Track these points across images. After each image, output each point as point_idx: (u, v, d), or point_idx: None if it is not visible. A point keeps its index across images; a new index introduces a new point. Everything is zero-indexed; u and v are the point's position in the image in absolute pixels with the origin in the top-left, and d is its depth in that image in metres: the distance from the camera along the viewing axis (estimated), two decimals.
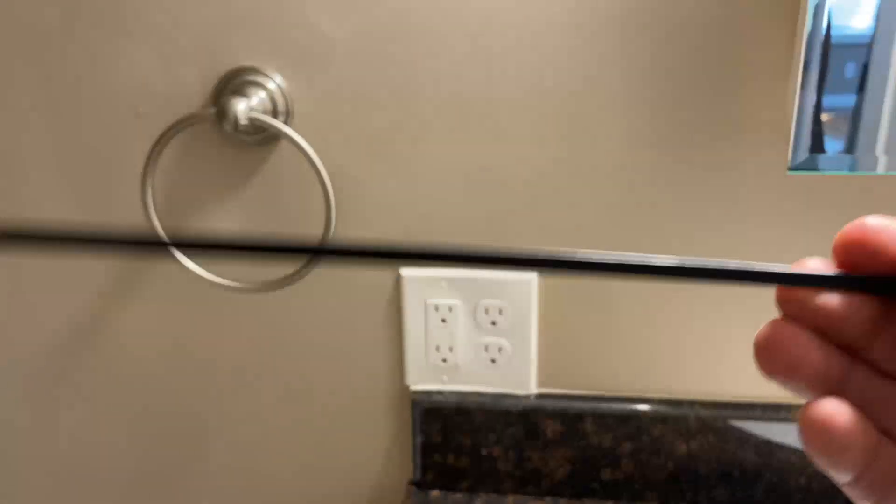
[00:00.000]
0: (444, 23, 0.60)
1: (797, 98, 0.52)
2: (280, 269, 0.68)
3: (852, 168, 0.53)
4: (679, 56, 0.59)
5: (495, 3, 0.59)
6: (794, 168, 0.52)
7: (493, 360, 0.69)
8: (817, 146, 0.53)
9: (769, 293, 0.24)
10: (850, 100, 0.53)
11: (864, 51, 0.52)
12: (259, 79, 0.63)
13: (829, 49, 0.52)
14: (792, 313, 0.24)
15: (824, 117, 0.53)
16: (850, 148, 0.53)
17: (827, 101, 0.53)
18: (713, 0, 0.57)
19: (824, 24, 0.51)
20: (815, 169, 0.53)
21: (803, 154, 0.52)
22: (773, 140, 0.59)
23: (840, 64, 0.53)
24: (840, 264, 0.24)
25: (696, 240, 0.63)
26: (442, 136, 0.63)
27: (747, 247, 0.63)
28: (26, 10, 0.64)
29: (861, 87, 0.52)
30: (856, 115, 0.53)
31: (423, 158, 0.64)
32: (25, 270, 0.72)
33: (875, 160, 0.53)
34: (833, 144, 0.53)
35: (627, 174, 0.63)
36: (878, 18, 0.51)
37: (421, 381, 0.70)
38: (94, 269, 0.71)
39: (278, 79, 0.63)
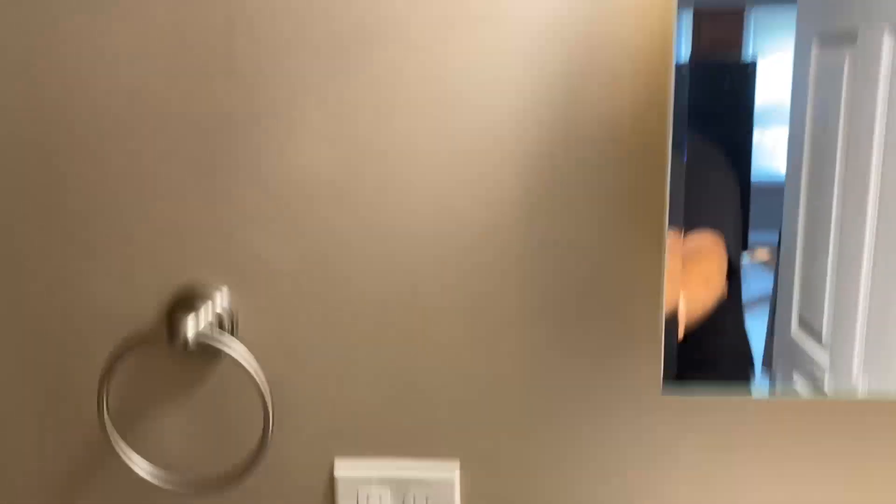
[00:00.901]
0: (370, 241, 0.69)
1: (663, 321, 0.60)
2: (219, 468, 0.74)
3: (725, 391, 0.60)
4: (569, 275, 0.68)
5: (414, 218, 0.68)
6: (666, 391, 0.60)
7: None
8: (689, 369, 0.60)
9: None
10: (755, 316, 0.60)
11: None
12: (207, 297, 0.71)
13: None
14: None
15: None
16: (722, 373, 0.60)
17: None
18: (595, 228, 0.67)
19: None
20: (687, 392, 0.60)
21: (673, 376, 0.60)
22: (649, 359, 0.68)
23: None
24: None
25: (570, 456, 0.70)
26: (371, 345, 0.71)
27: (622, 464, 0.70)
28: None
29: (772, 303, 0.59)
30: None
31: (354, 365, 0.72)
32: None
33: (750, 386, 0.60)
34: (706, 367, 0.60)
35: (520, 383, 0.71)
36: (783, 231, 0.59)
37: None
38: (46, 473, 0.76)
39: (225, 297, 0.71)
